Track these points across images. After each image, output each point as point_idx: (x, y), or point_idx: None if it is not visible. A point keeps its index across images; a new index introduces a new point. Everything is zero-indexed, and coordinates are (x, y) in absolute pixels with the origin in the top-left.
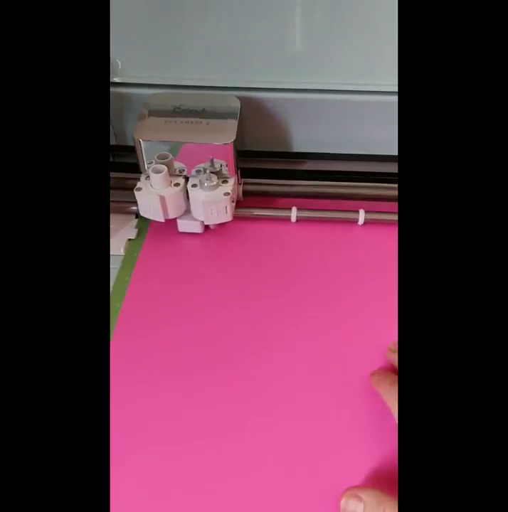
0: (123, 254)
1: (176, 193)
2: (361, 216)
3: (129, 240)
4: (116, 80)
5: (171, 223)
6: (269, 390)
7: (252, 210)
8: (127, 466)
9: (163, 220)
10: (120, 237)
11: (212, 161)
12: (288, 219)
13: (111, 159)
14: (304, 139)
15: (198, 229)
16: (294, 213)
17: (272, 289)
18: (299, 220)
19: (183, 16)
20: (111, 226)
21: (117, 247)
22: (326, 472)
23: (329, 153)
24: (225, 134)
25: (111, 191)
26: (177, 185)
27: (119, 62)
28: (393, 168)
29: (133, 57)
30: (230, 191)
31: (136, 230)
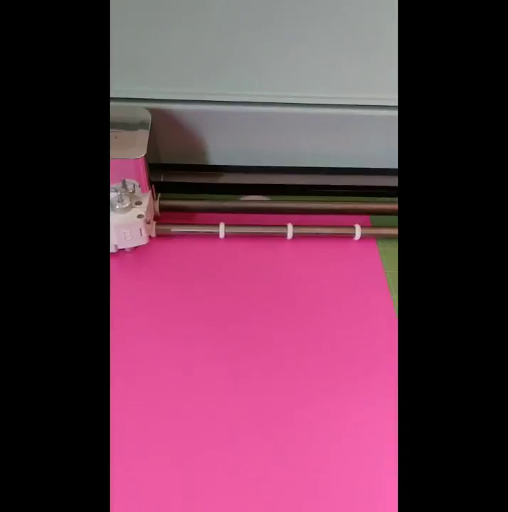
0: None
1: None
2: (290, 231)
3: None
4: None
5: None
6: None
7: (169, 227)
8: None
9: None
10: None
11: (124, 182)
12: (213, 235)
13: None
14: (221, 151)
15: (111, 248)
16: (222, 229)
17: (195, 308)
18: (227, 236)
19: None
20: None
21: None
22: None
23: (245, 166)
24: (135, 148)
25: None
26: None
27: None
28: (315, 180)
29: None
30: (144, 213)
31: None
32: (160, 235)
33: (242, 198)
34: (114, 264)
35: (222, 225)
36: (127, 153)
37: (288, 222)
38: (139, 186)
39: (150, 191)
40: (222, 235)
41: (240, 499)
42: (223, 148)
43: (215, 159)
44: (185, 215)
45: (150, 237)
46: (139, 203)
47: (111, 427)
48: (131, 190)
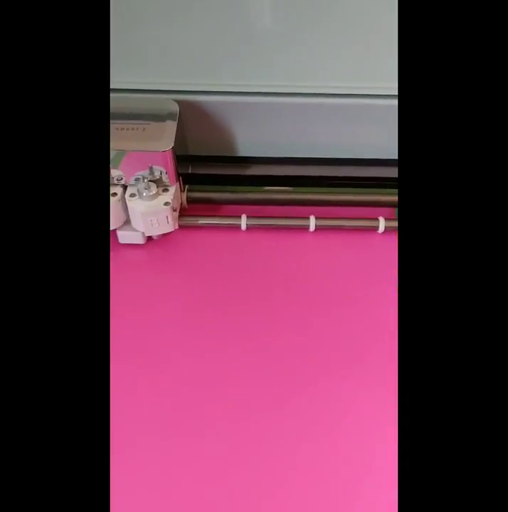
0: None
1: (114, 203)
2: (312, 223)
3: None
4: None
5: (112, 234)
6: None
7: (197, 219)
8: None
9: None
10: None
11: (151, 168)
12: (236, 227)
13: None
14: (248, 142)
15: (140, 240)
16: (243, 221)
17: (221, 301)
18: (249, 228)
19: (124, 17)
20: None
21: None
22: None
23: (274, 158)
24: (163, 140)
25: None
26: (115, 195)
27: None
28: (339, 171)
29: None
30: (170, 200)
31: None
32: (187, 227)
33: (265, 189)
34: (141, 253)
35: (244, 217)
36: (155, 146)
37: (311, 214)
38: (166, 173)
39: (177, 183)
40: (244, 226)
41: (239, 483)
42: (250, 140)
43: (242, 150)
44: (211, 206)
45: (177, 228)
46: (165, 191)
47: (123, 413)
48: (157, 177)
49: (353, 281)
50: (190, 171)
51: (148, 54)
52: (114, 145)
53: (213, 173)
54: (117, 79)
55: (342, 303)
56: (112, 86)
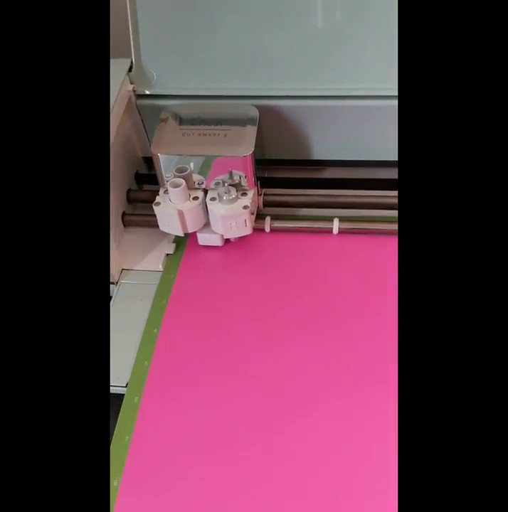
0: (162, 269)
1: (195, 207)
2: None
3: (168, 255)
4: (151, 91)
5: (192, 236)
6: (291, 402)
7: (272, 222)
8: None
9: (182, 234)
10: (158, 252)
11: (230, 173)
12: (308, 229)
13: (147, 171)
14: (323, 146)
15: (218, 242)
16: (335, 225)
17: (296, 302)
18: (340, 231)
19: (209, 28)
20: (148, 241)
21: (156, 262)
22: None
23: (349, 161)
24: (243, 146)
25: (147, 205)
26: (196, 198)
27: (154, 74)
28: None
29: (167, 70)
30: (249, 204)
31: (174, 244)
32: (262, 229)
33: (341, 192)
34: (218, 255)
35: (336, 221)
36: (236, 151)
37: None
38: (245, 177)
39: (255, 187)
40: (336, 230)
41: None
42: (325, 142)
43: (317, 154)
44: (288, 210)
45: (255, 229)
46: (244, 195)
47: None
48: (237, 181)
49: None
50: (266, 175)
51: (228, 61)
52: (197, 150)
53: (288, 177)
54: (199, 86)
55: None
56: (193, 93)
